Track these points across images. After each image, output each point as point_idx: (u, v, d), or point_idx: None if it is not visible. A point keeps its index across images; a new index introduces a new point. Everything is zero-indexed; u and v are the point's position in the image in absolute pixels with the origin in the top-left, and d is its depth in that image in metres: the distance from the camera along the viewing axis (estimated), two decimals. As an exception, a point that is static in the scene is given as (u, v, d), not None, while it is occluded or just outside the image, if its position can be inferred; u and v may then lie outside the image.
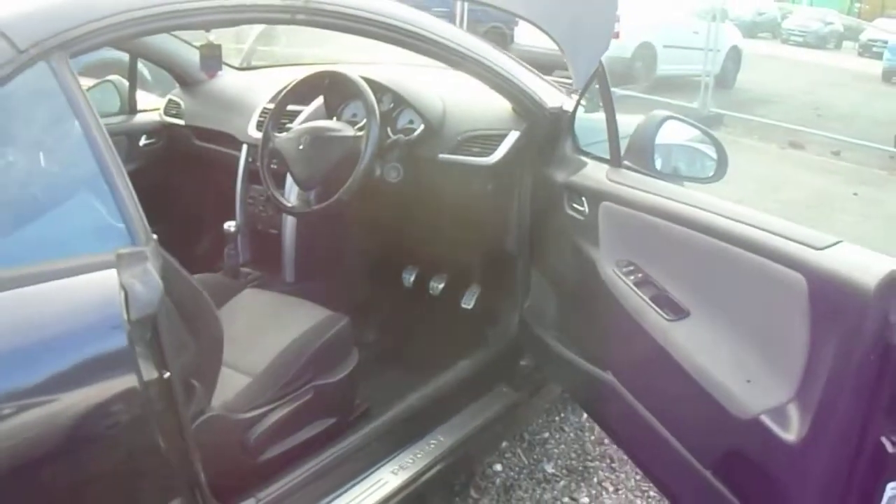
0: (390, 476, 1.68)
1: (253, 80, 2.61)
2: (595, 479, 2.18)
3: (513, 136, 1.93)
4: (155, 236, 1.14)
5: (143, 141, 2.61)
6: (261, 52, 3.24)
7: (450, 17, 7.18)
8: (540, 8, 1.69)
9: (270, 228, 2.37)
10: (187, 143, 2.57)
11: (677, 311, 1.47)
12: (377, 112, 1.89)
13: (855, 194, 5.78)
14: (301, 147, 1.93)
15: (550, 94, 1.94)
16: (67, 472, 1.07)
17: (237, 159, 2.38)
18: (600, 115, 1.76)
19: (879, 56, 12.83)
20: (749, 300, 1.37)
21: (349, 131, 1.94)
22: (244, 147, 2.36)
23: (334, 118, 2.18)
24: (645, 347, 1.50)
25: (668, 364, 1.44)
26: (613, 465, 2.23)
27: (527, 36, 7.97)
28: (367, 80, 1.98)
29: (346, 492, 1.61)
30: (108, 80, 2.63)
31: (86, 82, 1.90)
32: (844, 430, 1.18)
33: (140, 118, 2.66)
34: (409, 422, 1.80)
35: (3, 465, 0.99)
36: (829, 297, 1.21)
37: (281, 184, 2.14)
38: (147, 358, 1.09)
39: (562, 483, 2.15)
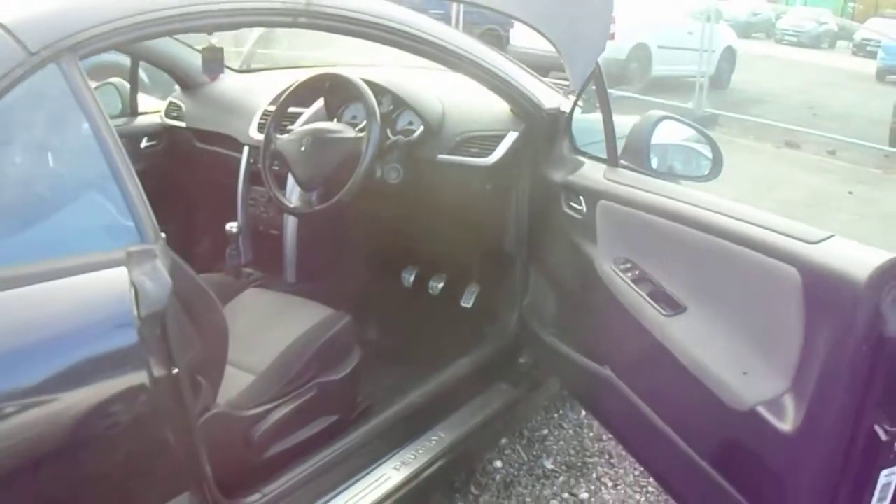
0: (392, 472, 1.70)
1: (253, 83, 2.64)
2: (594, 475, 2.19)
3: (511, 137, 1.96)
4: (163, 235, 1.16)
5: (144, 143, 2.62)
6: (260, 55, 3.26)
7: (445, 20, 7.19)
8: (537, 10, 1.71)
9: (272, 229, 2.39)
10: (188, 145, 2.59)
11: (674, 307, 1.49)
12: (378, 114, 1.91)
13: (850, 193, 5.80)
14: (303, 148, 1.96)
15: (548, 95, 1.96)
16: (78, 465, 1.09)
17: (238, 161, 2.40)
18: (597, 116, 1.78)
19: (873, 55, 12.89)
20: (744, 294, 1.39)
21: (350, 133, 1.97)
22: (245, 149, 2.38)
23: (335, 120, 2.20)
24: (642, 342, 1.52)
25: (665, 358, 1.46)
26: (612, 460, 2.25)
27: (522, 38, 7.99)
28: (367, 82, 2.00)
29: (349, 487, 1.63)
30: (110, 83, 2.65)
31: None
32: (839, 420, 1.21)
33: (141, 120, 2.67)
34: (411, 419, 1.82)
35: (15, 458, 1.01)
36: (822, 290, 1.23)
37: (282, 185, 2.17)
38: (156, 354, 1.12)
39: (561, 479, 2.17)
